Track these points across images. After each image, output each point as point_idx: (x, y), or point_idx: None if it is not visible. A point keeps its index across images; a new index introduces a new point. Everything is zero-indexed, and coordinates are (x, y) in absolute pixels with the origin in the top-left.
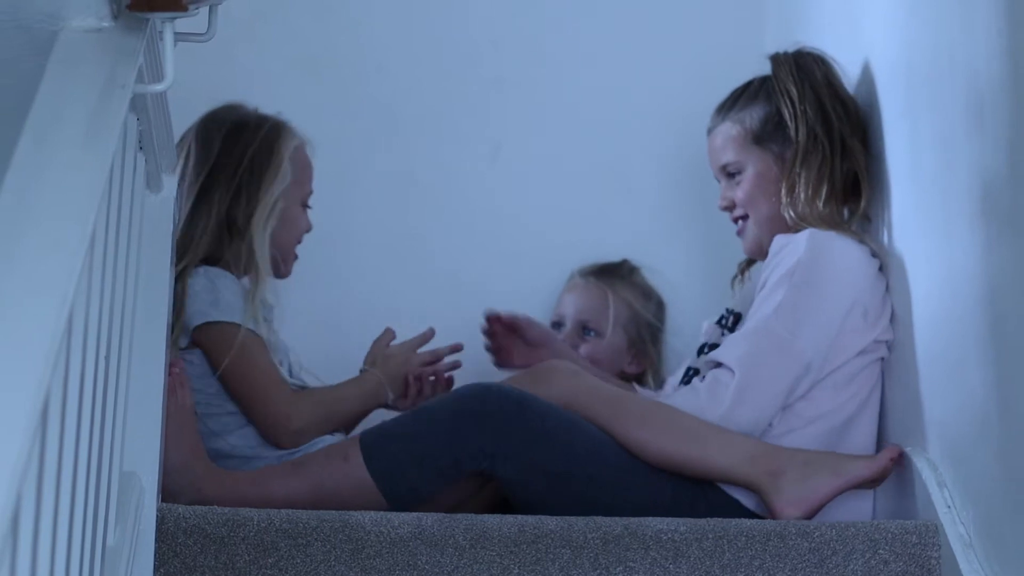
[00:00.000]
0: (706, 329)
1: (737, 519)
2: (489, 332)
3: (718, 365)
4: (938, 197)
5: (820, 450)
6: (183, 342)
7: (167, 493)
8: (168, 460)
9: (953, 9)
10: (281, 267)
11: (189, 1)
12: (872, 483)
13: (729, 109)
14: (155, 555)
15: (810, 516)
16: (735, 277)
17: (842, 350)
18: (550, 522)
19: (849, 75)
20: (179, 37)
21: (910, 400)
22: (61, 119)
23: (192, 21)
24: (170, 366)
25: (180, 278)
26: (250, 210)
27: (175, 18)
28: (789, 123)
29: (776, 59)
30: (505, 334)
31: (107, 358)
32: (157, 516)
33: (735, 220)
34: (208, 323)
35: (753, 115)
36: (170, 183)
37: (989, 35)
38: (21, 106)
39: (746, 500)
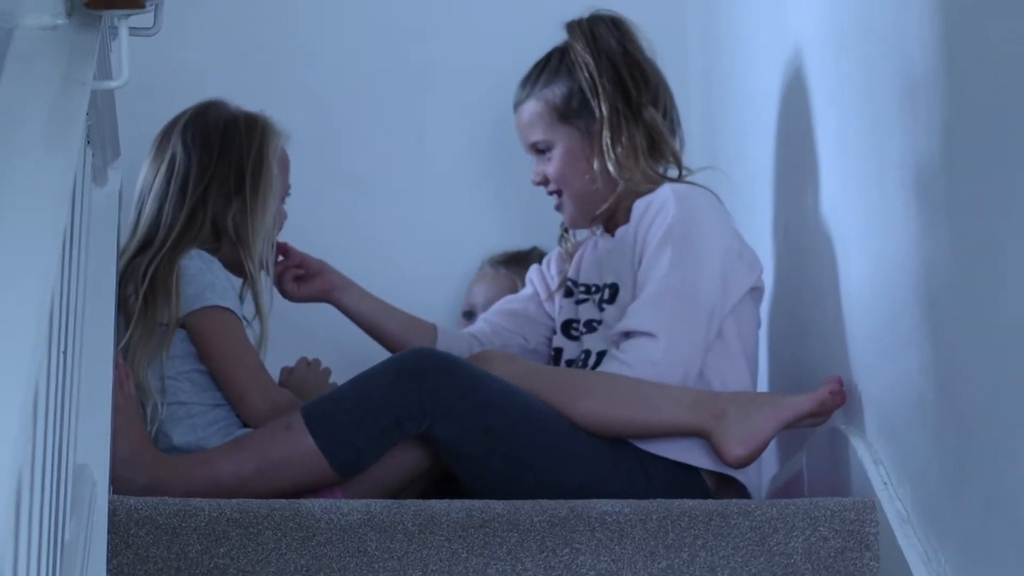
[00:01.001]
0: (556, 302)
1: (679, 500)
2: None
3: (626, 335)
4: (870, 181)
5: (759, 392)
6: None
7: (118, 483)
8: (118, 450)
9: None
10: (268, 261)
11: None
12: (816, 416)
13: (533, 85)
14: (108, 546)
15: (757, 453)
16: (561, 237)
17: (731, 292)
18: (497, 506)
19: (774, 59)
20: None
21: (844, 378)
22: (24, 119)
23: (138, 16)
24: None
25: (170, 262)
26: (243, 218)
27: (131, 15)
28: (591, 100)
29: (571, 28)
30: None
31: (63, 353)
32: (109, 508)
33: (550, 194)
34: (205, 307)
35: (556, 92)
36: (115, 177)
37: (923, 24)
38: None
39: (682, 456)
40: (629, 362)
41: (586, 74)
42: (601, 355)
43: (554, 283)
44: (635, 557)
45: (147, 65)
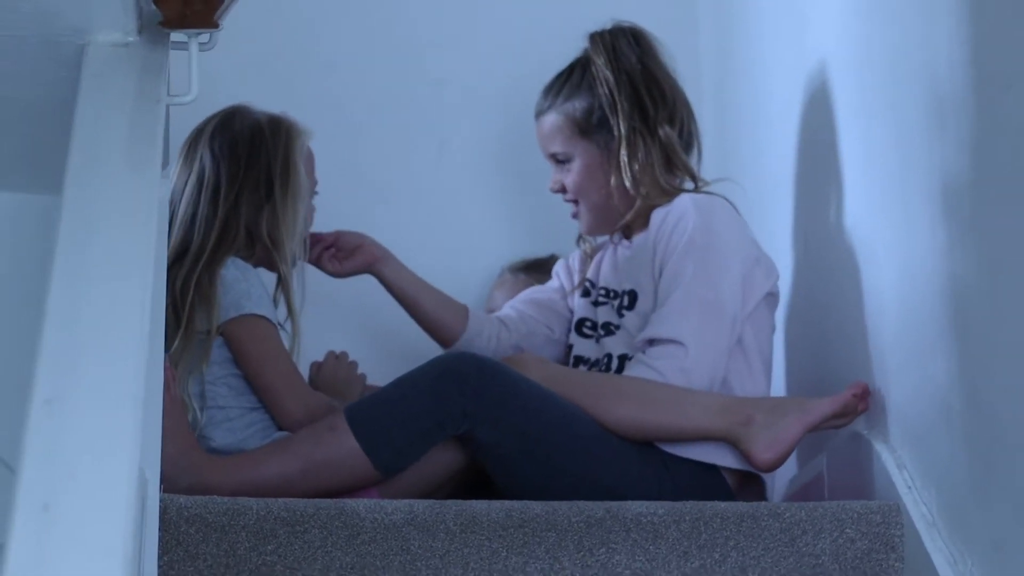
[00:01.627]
0: (574, 299)
1: (712, 502)
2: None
3: (652, 342)
4: (894, 195)
5: (785, 397)
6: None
7: (165, 483)
8: (165, 451)
9: (914, 17)
10: (300, 258)
11: (219, 17)
12: (840, 419)
13: (555, 97)
14: (159, 544)
15: (785, 457)
16: (579, 239)
17: (749, 299)
18: (535, 507)
19: (794, 72)
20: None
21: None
22: (108, 135)
23: None
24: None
25: (210, 272)
26: (275, 222)
27: (201, 33)
28: (610, 117)
29: (593, 41)
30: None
31: None
32: (160, 506)
33: (567, 202)
34: (242, 315)
35: (577, 106)
36: (166, 185)
37: (952, 43)
38: (46, 113)
39: (707, 457)
40: (660, 369)
41: (606, 91)
42: (623, 359)
43: (576, 280)
44: (669, 557)
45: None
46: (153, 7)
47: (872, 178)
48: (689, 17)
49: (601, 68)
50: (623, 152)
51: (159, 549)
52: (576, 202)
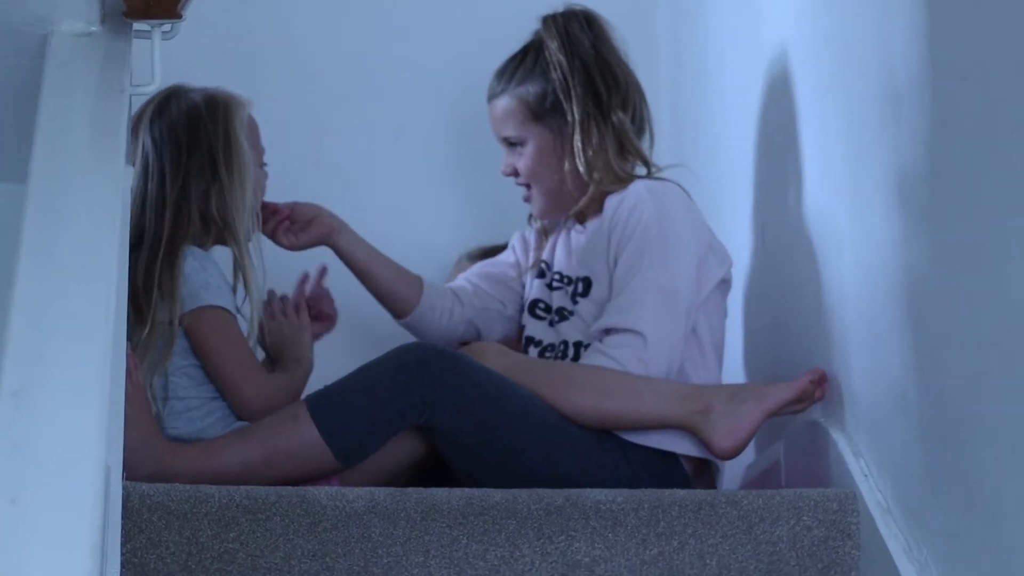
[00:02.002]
0: (531, 282)
1: (671, 490)
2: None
3: (608, 331)
4: (852, 186)
5: (742, 383)
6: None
7: (128, 470)
8: (127, 438)
9: (867, 9)
10: (253, 231)
11: (182, 7)
12: (797, 404)
13: (508, 81)
14: (122, 531)
15: (744, 444)
16: (530, 218)
17: (703, 286)
18: (496, 495)
19: (751, 61)
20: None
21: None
22: (73, 124)
23: None
24: None
25: (170, 263)
26: (223, 201)
27: (164, 23)
28: (564, 102)
29: (546, 24)
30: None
31: None
32: (123, 494)
33: (519, 185)
34: (200, 307)
35: (530, 91)
36: (128, 174)
37: (906, 35)
38: (9, 101)
39: (666, 445)
40: (618, 359)
41: (559, 75)
42: (578, 346)
43: (530, 259)
44: (628, 544)
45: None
46: None
47: (829, 168)
48: (647, 2)
49: (554, 52)
50: (576, 137)
51: (122, 537)
52: (528, 186)
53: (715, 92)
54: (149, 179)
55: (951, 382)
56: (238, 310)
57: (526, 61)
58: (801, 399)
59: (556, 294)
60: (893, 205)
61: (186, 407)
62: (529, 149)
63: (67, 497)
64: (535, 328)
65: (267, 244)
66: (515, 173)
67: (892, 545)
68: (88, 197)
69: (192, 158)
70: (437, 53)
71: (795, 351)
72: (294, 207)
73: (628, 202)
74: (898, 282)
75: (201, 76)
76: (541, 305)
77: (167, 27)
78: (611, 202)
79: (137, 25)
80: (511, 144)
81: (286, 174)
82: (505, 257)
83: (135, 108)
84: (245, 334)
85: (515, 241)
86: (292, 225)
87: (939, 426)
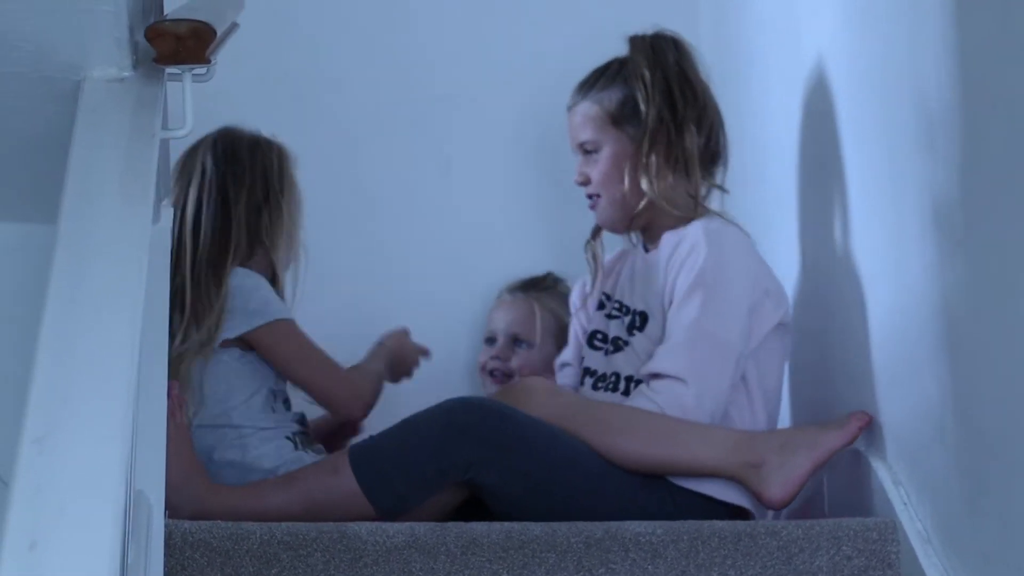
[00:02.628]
0: (588, 312)
1: (710, 521)
2: None
3: (656, 375)
4: (888, 211)
5: (791, 428)
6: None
7: (170, 508)
8: (170, 477)
9: (901, 33)
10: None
11: (210, 53)
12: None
13: (590, 88)
14: (164, 569)
15: (795, 495)
16: (587, 242)
17: (756, 333)
18: (535, 528)
19: (789, 77)
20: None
21: (864, 403)
22: (102, 170)
23: None
24: (168, 389)
25: (217, 282)
26: (273, 228)
27: (195, 69)
28: (641, 106)
29: (633, 41)
30: None
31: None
32: (165, 532)
33: (588, 196)
34: (269, 323)
35: (611, 97)
36: (167, 214)
37: (938, 61)
38: (45, 146)
39: (715, 493)
40: (661, 404)
41: (640, 83)
42: (629, 380)
43: (591, 306)
44: None
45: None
46: (147, 43)
47: (867, 195)
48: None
49: (638, 63)
50: (646, 141)
51: (164, 574)
52: (597, 195)
53: (758, 119)
54: (207, 196)
55: (985, 408)
56: None
57: (609, 70)
58: (850, 443)
59: (613, 323)
60: (928, 232)
61: (239, 435)
62: (604, 154)
63: (85, 543)
64: (592, 359)
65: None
66: (587, 182)
67: (931, 574)
68: (114, 242)
69: (251, 177)
70: (487, 83)
71: (837, 380)
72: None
73: (685, 244)
74: (933, 310)
75: (245, 108)
76: (599, 336)
77: (203, 70)
78: (669, 239)
79: (170, 69)
80: (587, 152)
81: (331, 207)
82: (568, 349)
83: (181, 150)
84: None
85: (576, 311)
86: None
87: (975, 453)
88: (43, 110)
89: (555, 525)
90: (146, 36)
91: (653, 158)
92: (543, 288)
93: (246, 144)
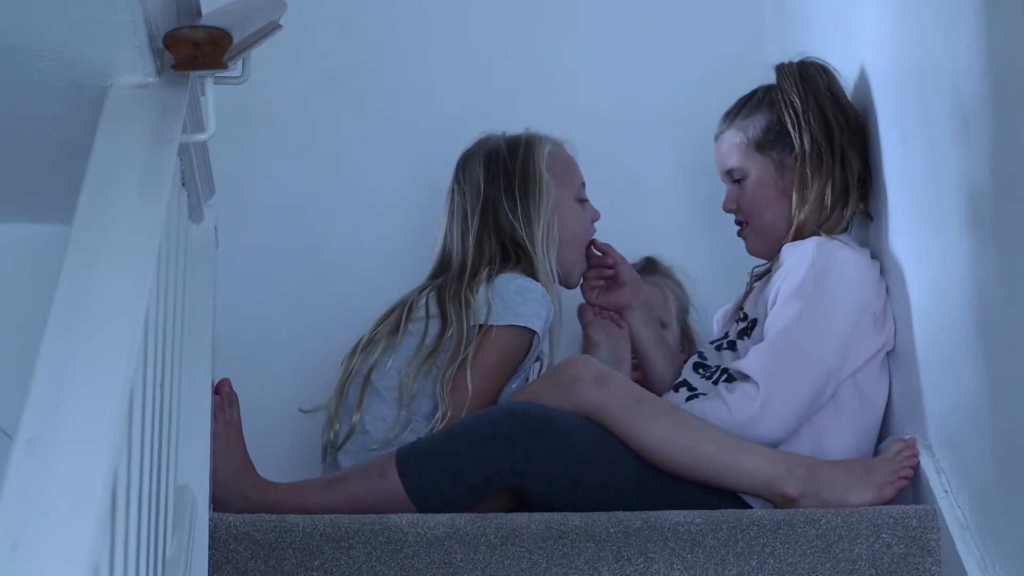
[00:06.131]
0: (719, 319)
1: (748, 510)
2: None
3: (737, 373)
4: (929, 204)
5: (835, 467)
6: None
7: (218, 503)
8: (219, 473)
9: (938, 27)
10: (571, 278)
11: (228, 58)
12: None
13: (734, 117)
14: (209, 562)
15: None
16: (751, 273)
17: (857, 354)
18: (574, 518)
19: (846, 81)
20: (216, 80)
21: (912, 393)
22: (118, 174)
23: None
24: (219, 386)
25: (471, 287)
26: (530, 231)
27: (215, 74)
28: (792, 132)
29: (781, 70)
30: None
31: (162, 385)
32: (209, 525)
33: (737, 222)
34: (511, 325)
35: (756, 123)
36: (210, 214)
37: (972, 55)
38: (71, 155)
39: (754, 502)
40: (729, 403)
41: (790, 109)
42: (723, 371)
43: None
44: (707, 565)
45: (238, 94)
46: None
47: (910, 188)
48: (756, 28)
49: (787, 90)
50: (802, 168)
51: (209, 567)
52: (746, 223)
53: None
54: (454, 216)
55: (1020, 398)
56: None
57: (754, 98)
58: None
59: (735, 327)
60: (964, 224)
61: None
62: (751, 180)
63: (67, 545)
64: (708, 351)
65: None
66: (735, 209)
67: (968, 562)
68: (124, 246)
69: (489, 193)
70: (551, 80)
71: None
72: (620, 265)
73: (797, 254)
74: (969, 299)
75: (310, 110)
76: (724, 337)
77: (237, 71)
78: (786, 250)
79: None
80: (734, 180)
81: (395, 205)
82: None
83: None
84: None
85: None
86: (608, 282)
87: (1011, 442)
88: (71, 116)
89: (594, 515)
90: (164, 43)
91: (811, 184)
92: (659, 271)
93: (482, 159)
